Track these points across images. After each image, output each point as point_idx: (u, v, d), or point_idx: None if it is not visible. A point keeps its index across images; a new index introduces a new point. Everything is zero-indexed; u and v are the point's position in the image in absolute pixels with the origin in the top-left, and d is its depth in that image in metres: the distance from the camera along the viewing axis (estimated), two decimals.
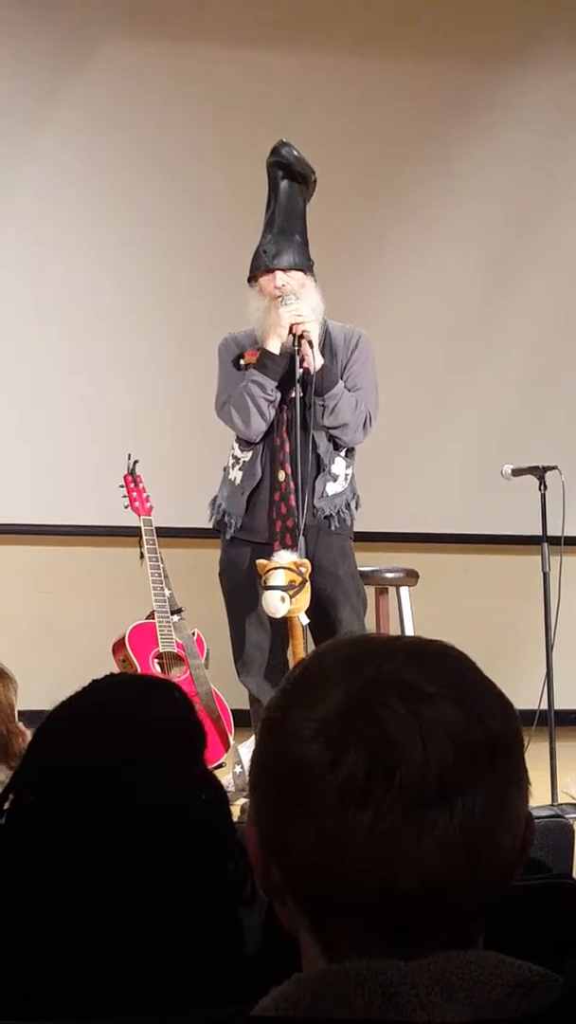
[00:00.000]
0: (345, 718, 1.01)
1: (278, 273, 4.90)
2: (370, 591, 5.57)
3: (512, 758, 1.05)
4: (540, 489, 5.27)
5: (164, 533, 5.55)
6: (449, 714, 1.02)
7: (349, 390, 4.95)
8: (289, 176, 4.96)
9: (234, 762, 5.11)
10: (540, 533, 5.25)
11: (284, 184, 4.97)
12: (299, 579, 4.65)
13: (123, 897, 1.55)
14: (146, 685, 1.79)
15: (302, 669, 1.09)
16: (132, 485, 5.53)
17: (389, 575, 6.06)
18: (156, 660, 5.34)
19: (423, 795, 1.00)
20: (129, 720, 1.64)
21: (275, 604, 4.62)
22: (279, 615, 4.67)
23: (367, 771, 1.00)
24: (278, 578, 4.63)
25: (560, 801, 4.96)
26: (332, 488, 4.97)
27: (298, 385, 4.82)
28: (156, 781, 1.59)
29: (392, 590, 6.10)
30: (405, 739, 1.00)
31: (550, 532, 5.24)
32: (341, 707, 1.02)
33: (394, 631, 5.98)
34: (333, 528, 4.98)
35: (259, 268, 4.94)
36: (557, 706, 5.18)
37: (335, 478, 4.98)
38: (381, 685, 1.03)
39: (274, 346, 4.87)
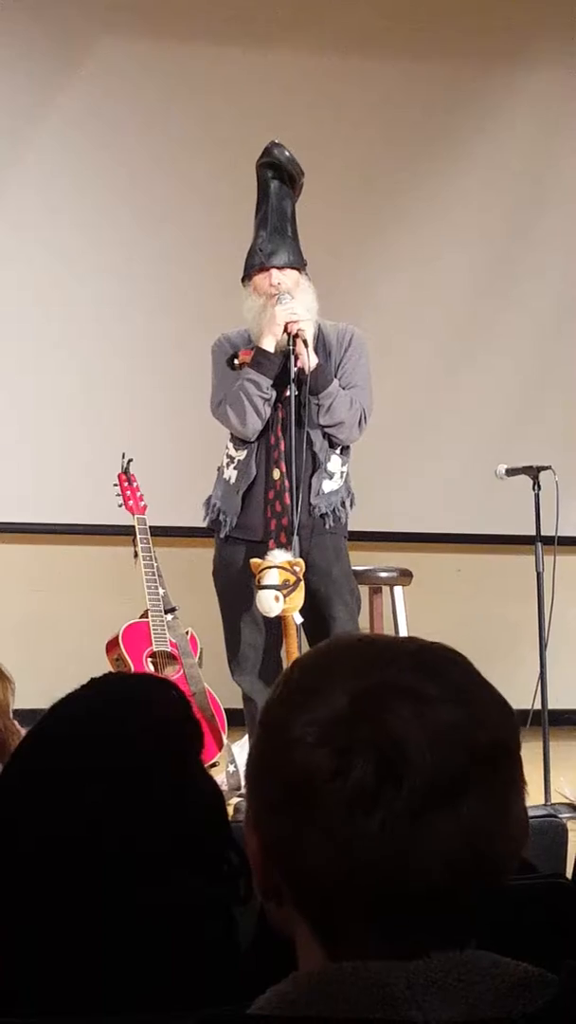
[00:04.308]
0: (351, 723, 1.01)
1: (273, 271, 4.90)
2: (364, 590, 5.57)
3: (512, 761, 1.05)
4: (534, 489, 5.28)
5: (158, 532, 5.55)
6: (454, 718, 1.02)
7: (343, 388, 4.95)
8: (279, 177, 4.97)
9: (227, 761, 5.11)
10: (534, 533, 5.26)
11: (274, 185, 4.98)
12: (293, 578, 4.66)
13: (119, 895, 1.55)
14: (145, 684, 1.79)
15: (301, 671, 1.08)
16: (126, 484, 5.52)
17: (383, 574, 6.07)
18: (150, 659, 5.34)
19: (430, 800, 1.00)
20: (128, 719, 1.64)
21: (269, 603, 4.62)
22: (273, 614, 4.67)
23: (375, 778, 0.99)
24: (272, 577, 4.63)
25: (553, 801, 4.97)
26: (328, 486, 4.97)
27: (293, 384, 4.82)
28: (154, 780, 1.59)
29: (386, 589, 6.11)
30: (412, 744, 1.00)
31: (544, 532, 5.25)
32: (345, 712, 1.02)
33: (388, 631, 5.98)
34: (328, 527, 4.98)
35: (254, 267, 4.95)
36: (551, 706, 5.19)
37: (331, 475, 4.98)
38: (386, 689, 1.02)
39: (269, 344, 4.87)
